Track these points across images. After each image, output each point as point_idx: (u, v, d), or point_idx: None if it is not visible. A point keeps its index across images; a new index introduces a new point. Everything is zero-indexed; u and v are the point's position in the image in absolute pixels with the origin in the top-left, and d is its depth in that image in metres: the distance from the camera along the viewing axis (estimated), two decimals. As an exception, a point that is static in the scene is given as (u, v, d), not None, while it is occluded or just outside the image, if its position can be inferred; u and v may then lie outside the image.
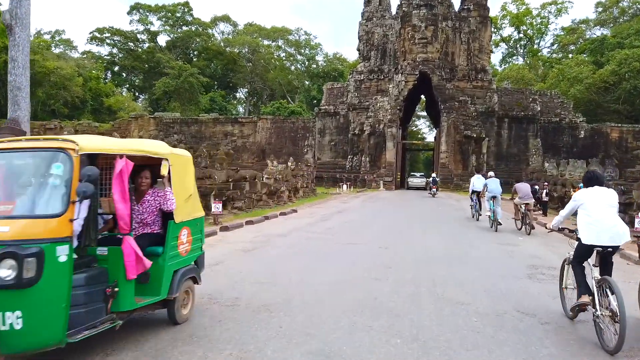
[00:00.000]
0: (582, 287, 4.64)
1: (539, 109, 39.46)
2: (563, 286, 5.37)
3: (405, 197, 29.57)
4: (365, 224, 14.27)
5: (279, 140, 44.46)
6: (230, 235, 11.15)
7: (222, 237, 10.65)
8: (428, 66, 38.11)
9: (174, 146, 6.66)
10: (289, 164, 26.15)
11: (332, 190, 33.23)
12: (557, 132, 40.12)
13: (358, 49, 43.42)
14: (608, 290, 4.27)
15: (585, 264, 4.79)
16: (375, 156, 39.24)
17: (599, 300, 4.39)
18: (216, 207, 12.73)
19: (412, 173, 49.68)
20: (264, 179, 22.51)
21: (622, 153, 36.72)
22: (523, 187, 13.01)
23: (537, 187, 18.28)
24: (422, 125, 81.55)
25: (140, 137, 44.34)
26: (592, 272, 4.65)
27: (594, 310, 4.41)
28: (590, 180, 4.87)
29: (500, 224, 12.95)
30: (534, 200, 13.55)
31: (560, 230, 5.45)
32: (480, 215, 15.49)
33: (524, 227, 12.56)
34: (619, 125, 40.48)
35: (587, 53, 48.21)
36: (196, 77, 51.55)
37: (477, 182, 15.99)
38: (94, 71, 58.44)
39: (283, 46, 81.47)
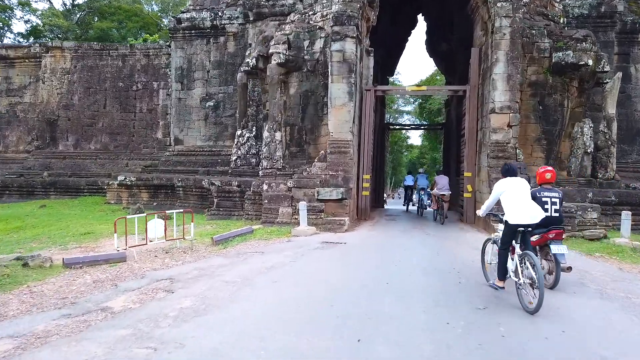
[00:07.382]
0: (501, 271, 5.61)
1: None
2: (487, 263, 6.31)
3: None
4: None
5: (91, 99, 19.60)
6: None
7: None
8: None
9: None
10: None
11: (105, 240, 8.62)
12: None
13: None
14: (528, 262, 5.12)
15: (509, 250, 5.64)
16: (304, 129, 14.76)
17: (521, 270, 5.22)
18: None
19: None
20: None
21: None
22: (441, 180, 14.03)
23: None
24: (406, 120, 56.05)
25: None
26: (516, 249, 5.45)
27: (516, 279, 5.29)
28: (508, 171, 5.86)
29: (427, 208, 15.83)
30: (449, 192, 13.93)
31: (488, 216, 6.49)
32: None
33: (439, 216, 13.66)
34: None
35: None
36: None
37: (408, 178, 19.56)
38: None
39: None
